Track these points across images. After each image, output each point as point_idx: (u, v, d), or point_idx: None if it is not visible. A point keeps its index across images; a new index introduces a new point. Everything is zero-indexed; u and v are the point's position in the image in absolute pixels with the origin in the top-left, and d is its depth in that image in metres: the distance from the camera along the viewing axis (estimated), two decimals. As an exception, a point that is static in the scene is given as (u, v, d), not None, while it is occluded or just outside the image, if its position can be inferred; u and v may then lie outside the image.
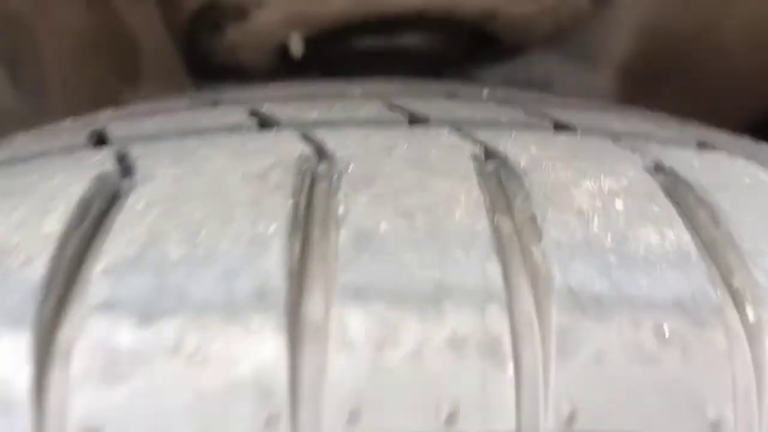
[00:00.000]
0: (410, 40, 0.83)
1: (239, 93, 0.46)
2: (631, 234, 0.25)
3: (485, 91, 0.46)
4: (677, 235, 0.26)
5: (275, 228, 0.24)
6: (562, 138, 0.33)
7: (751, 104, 1.12)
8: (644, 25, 0.99)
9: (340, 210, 0.26)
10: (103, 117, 0.43)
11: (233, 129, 0.34)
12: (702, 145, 0.37)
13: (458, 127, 0.33)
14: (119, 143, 0.34)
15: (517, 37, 0.83)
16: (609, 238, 0.25)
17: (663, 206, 0.27)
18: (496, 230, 0.25)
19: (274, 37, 0.76)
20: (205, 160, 0.29)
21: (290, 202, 0.26)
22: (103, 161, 0.31)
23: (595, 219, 0.26)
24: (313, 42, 0.79)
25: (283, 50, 0.83)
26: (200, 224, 0.24)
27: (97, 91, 1.13)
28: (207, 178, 0.27)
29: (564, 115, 0.37)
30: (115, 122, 0.39)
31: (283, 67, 0.92)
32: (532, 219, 0.26)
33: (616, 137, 0.34)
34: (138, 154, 0.31)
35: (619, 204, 0.27)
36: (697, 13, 0.93)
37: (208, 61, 0.86)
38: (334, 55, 0.87)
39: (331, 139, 0.31)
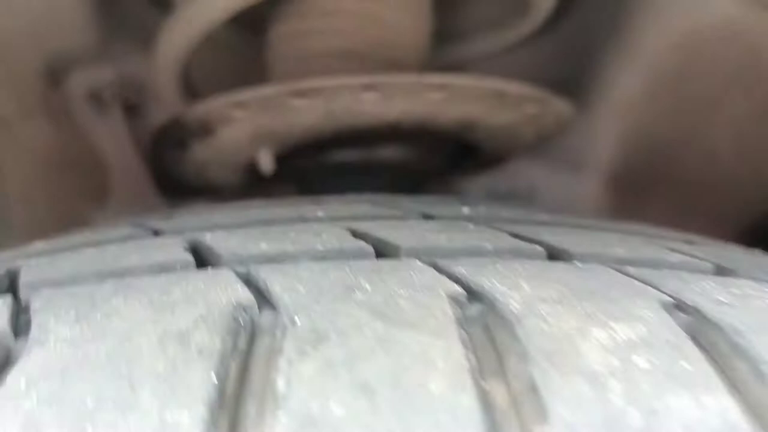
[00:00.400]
0: (386, 152, 0.79)
1: (188, 218, 0.40)
2: (662, 405, 0.19)
3: (464, 209, 0.41)
4: (719, 403, 0.20)
5: (189, 418, 0.18)
6: (559, 270, 0.27)
7: (740, 210, 1.09)
8: (629, 132, 0.97)
9: (280, 384, 0.19)
10: (25, 252, 0.37)
11: (164, 268, 0.28)
12: (721, 271, 0.31)
13: (433, 259, 0.27)
14: (25, 289, 0.28)
15: (498, 146, 0.80)
16: (635, 415, 0.19)
17: (695, 361, 0.22)
18: (485, 405, 0.19)
19: (242, 153, 0.72)
20: (116, 315, 0.23)
21: (213, 376, 0.19)
22: (-4, 315, 0.25)
23: (614, 385, 0.20)
24: (285, 155, 0.75)
25: (254, 166, 0.79)
26: (90, 415, 0.18)
27: (62, 211, 1.08)
28: (112, 343, 0.21)
29: (557, 239, 0.31)
30: (32, 260, 0.33)
31: (255, 182, 0.88)
32: (533, 388, 0.20)
33: (621, 266, 0.29)
34: (38, 306, 0.25)
35: (640, 361, 0.21)
36: (683, 120, 0.91)
37: (176, 179, 0.81)
38: (307, 169, 0.83)
39: (277, 280, 0.25)
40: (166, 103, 0.85)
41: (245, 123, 0.67)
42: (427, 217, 0.38)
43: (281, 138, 0.68)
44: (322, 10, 0.80)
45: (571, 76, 0.98)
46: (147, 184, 1.03)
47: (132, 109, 1.02)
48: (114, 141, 1.04)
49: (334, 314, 0.22)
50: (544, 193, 1.12)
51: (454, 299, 0.24)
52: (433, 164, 0.84)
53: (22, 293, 0.28)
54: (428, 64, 0.88)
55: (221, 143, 0.71)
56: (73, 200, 1.07)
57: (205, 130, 0.69)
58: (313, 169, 0.81)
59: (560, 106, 0.71)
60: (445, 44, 1.01)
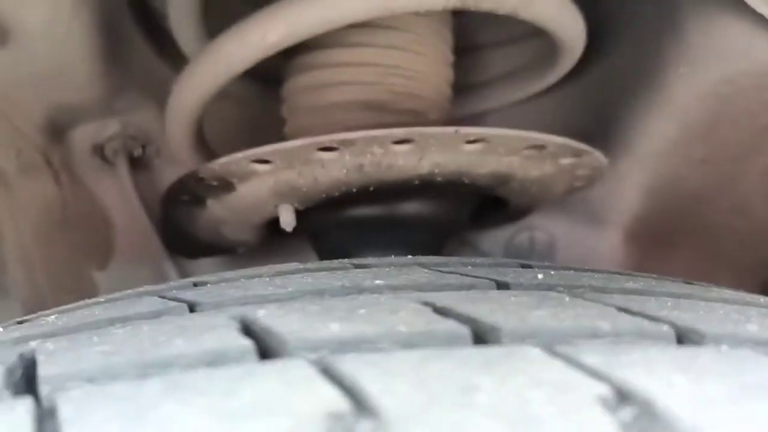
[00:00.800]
0: (411, 207, 0.75)
1: (226, 289, 0.35)
2: None
3: (538, 274, 0.36)
4: None
5: None
6: (706, 357, 0.23)
7: (766, 261, 1.05)
8: (656, 184, 0.93)
9: None
10: (36, 328, 0.32)
11: (219, 358, 0.23)
12: None
13: (548, 344, 0.23)
14: (48, 387, 0.23)
15: (528, 199, 0.76)
16: None
17: None
18: None
19: (262, 210, 0.67)
20: (171, 428, 0.18)
21: None
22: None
23: None
24: (303, 209, 0.71)
25: (270, 222, 0.75)
26: None
27: (63, 271, 1.02)
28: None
29: (678, 315, 0.26)
30: (48, 341, 0.28)
31: (268, 239, 0.83)
32: None
33: (764, 348, 0.24)
34: (68, 413, 0.20)
35: None
36: (714, 171, 0.87)
37: (187, 237, 0.77)
38: (326, 223, 0.78)
39: (369, 376, 0.20)
40: (180, 159, 0.80)
41: (267, 178, 0.62)
42: (501, 285, 0.33)
43: (305, 193, 0.64)
44: (342, 62, 0.76)
45: (594, 125, 0.95)
46: (153, 241, 0.98)
47: (138, 163, 0.98)
48: (118, 197, 0.99)
49: (457, 427, 0.17)
50: (563, 247, 1.08)
51: (603, 401, 0.19)
52: (458, 219, 0.80)
53: (44, 392, 0.23)
54: (449, 115, 0.85)
55: (240, 199, 0.66)
56: (75, 260, 1.01)
57: (224, 186, 0.65)
58: (333, 223, 0.77)
59: (597, 158, 0.67)
60: (465, 94, 0.98)
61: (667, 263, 1.10)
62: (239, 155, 0.59)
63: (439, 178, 0.63)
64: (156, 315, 0.31)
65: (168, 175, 0.99)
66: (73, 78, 0.80)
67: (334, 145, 0.58)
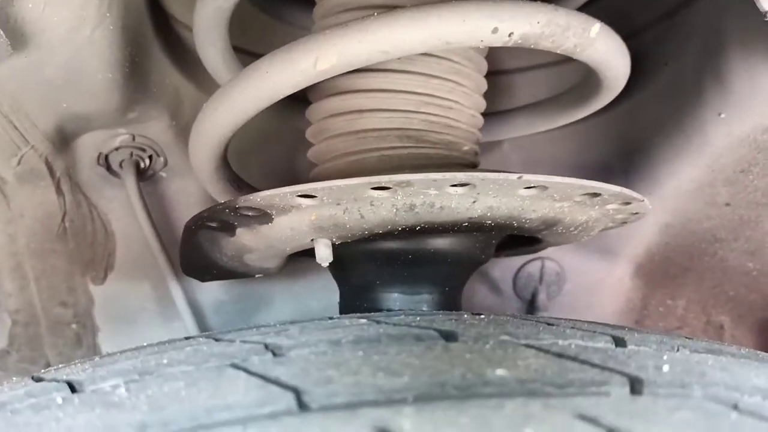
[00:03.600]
0: (439, 242, 0.72)
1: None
2: None
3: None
4: None
5: None
6: None
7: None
8: (675, 223, 0.93)
9: None
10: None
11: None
12: None
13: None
14: None
15: (567, 240, 0.74)
16: None
17: None
18: None
19: (297, 242, 0.64)
20: None
21: None
22: None
23: None
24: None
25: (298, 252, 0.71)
26: None
27: (58, 283, 0.97)
28: None
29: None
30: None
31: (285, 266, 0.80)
32: None
33: None
34: None
35: None
36: (736, 214, 0.87)
37: (206, 262, 0.73)
38: (352, 255, 0.75)
39: None
40: (200, 181, 0.77)
41: (309, 212, 0.59)
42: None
43: (348, 229, 0.61)
44: (378, 87, 0.74)
45: (617, 158, 0.94)
46: (157, 257, 0.94)
47: (144, 175, 0.93)
48: (121, 208, 0.95)
49: None
50: (572, 277, 1.07)
51: None
52: (486, 253, 0.78)
53: None
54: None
55: (275, 231, 0.63)
56: (71, 272, 0.96)
57: (261, 216, 0.61)
58: (360, 255, 0.74)
59: (645, 206, 0.66)
60: (498, 121, 0.96)
61: (671, 298, 1.11)
62: (286, 190, 0.56)
63: (489, 222, 0.61)
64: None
65: (174, 187, 0.96)
66: (89, 87, 0.76)
67: (390, 185, 0.55)
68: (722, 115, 0.75)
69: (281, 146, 0.99)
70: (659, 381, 0.31)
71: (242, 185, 0.83)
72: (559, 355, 0.34)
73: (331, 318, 0.48)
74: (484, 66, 0.80)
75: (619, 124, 0.91)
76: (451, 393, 0.28)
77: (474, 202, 0.58)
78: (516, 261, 1.07)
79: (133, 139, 0.89)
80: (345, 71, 0.60)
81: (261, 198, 0.58)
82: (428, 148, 0.74)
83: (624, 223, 0.75)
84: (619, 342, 0.39)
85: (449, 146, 0.75)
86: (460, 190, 0.57)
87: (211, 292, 1.00)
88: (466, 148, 0.77)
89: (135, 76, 0.79)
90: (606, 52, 0.65)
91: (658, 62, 0.84)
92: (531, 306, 1.07)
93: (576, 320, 0.51)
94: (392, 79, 0.74)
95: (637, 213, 0.71)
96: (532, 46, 0.61)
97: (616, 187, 0.60)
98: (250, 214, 0.61)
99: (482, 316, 0.47)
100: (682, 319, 1.12)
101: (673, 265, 1.03)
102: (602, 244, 1.03)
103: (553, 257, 1.07)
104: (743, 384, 0.31)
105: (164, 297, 0.97)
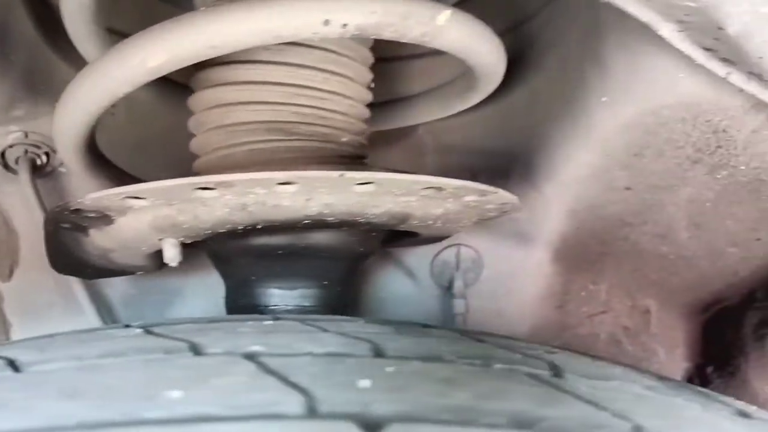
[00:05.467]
0: (318, 237, 0.71)
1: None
2: None
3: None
4: None
5: None
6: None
7: (696, 287, 1.04)
8: (580, 208, 0.91)
9: None
10: None
11: None
12: None
13: None
14: None
15: (437, 231, 0.73)
16: None
17: None
18: None
19: (145, 242, 0.63)
20: None
21: None
22: None
23: None
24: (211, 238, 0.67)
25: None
26: None
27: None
28: None
29: None
30: None
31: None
32: None
33: None
34: None
35: None
36: (638, 198, 0.85)
37: (77, 261, 0.72)
38: (227, 252, 0.75)
39: None
40: (73, 173, 0.76)
41: (145, 213, 0.58)
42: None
43: (188, 229, 0.60)
44: (248, 80, 0.72)
45: (520, 146, 0.92)
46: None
47: (43, 171, 0.92)
48: (21, 205, 0.94)
49: None
50: (490, 263, 1.06)
51: None
52: (368, 247, 0.77)
53: None
54: (371, 131, 0.82)
55: (120, 232, 0.62)
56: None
57: (104, 219, 0.60)
58: (235, 252, 0.73)
59: (503, 196, 0.64)
60: (392, 109, 0.94)
61: (592, 282, 1.09)
62: (112, 192, 0.55)
63: (330, 218, 0.60)
64: None
65: (75, 183, 0.95)
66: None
67: (211, 186, 0.54)
68: (605, 99, 0.73)
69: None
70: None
71: (126, 179, 0.81)
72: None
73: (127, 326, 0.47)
74: (367, 55, 0.78)
75: (518, 110, 0.89)
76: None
77: (308, 200, 0.57)
78: (432, 248, 1.05)
79: (26, 136, 0.88)
80: (180, 67, 0.58)
81: (90, 201, 0.56)
82: (300, 141, 0.72)
83: (504, 212, 0.74)
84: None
85: (324, 138, 0.73)
86: (290, 188, 0.55)
87: (119, 286, 0.99)
88: (344, 139, 0.75)
89: (11, 72, 0.78)
90: (461, 39, 0.63)
91: (548, 46, 0.81)
92: (449, 293, 1.06)
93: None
94: (261, 70, 0.72)
95: (508, 203, 0.69)
96: (374, 36, 0.59)
97: (457, 181, 0.59)
98: (92, 215, 0.60)
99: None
100: (606, 303, 1.10)
101: (589, 249, 1.01)
102: (517, 230, 1.02)
103: (470, 243, 1.05)
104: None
105: (69, 292, 0.96)
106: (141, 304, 1.02)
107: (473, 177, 1.01)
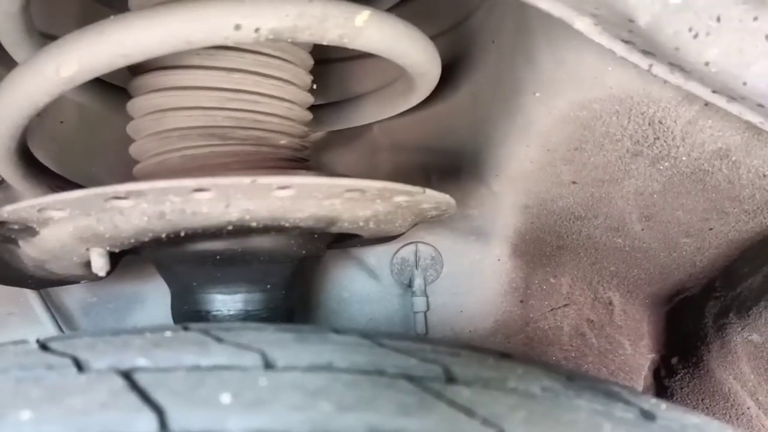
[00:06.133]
0: (260, 243, 0.71)
1: None
2: None
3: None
4: None
5: None
6: None
7: (655, 277, 1.04)
8: (531, 203, 0.91)
9: None
10: None
11: None
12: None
13: None
14: None
15: (373, 233, 0.73)
16: None
17: None
18: None
19: (74, 253, 0.63)
20: None
21: None
22: None
23: None
24: (145, 245, 0.66)
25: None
26: None
27: None
28: None
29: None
30: None
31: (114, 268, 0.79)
32: None
33: None
34: None
35: None
36: (586, 192, 0.85)
37: (16, 272, 0.72)
38: (165, 259, 0.74)
39: None
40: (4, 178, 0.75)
41: (66, 224, 0.58)
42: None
43: (110, 239, 0.60)
44: (180, 85, 0.72)
45: (469, 144, 0.92)
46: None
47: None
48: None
49: None
50: (449, 260, 1.05)
51: None
52: (313, 249, 0.76)
53: None
54: (327, 132, 0.82)
55: (46, 242, 0.62)
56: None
57: (28, 230, 0.60)
58: (172, 258, 0.73)
59: (431, 196, 0.64)
60: (342, 109, 0.94)
61: (553, 276, 1.09)
62: (25, 204, 0.55)
63: (253, 224, 0.59)
64: None
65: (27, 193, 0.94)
66: None
67: (122, 196, 0.53)
68: (537, 95, 0.72)
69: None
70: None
71: (69, 187, 0.81)
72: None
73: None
74: (304, 57, 0.78)
75: (465, 108, 0.89)
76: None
77: (227, 206, 0.57)
78: (392, 246, 1.05)
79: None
80: (95, 76, 0.58)
81: (7, 212, 0.56)
82: (234, 146, 0.72)
83: (444, 212, 0.74)
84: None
85: (260, 141, 0.73)
86: (205, 195, 0.55)
87: (77, 294, 1.00)
88: (283, 142, 0.75)
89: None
90: (383, 40, 0.63)
91: (487, 43, 0.81)
92: (410, 291, 1.06)
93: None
94: (193, 75, 0.72)
95: (443, 202, 0.69)
96: (290, 40, 0.58)
97: (378, 182, 0.58)
98: (15, 227, 0.60)
99: None
100: (568, 296, 1.10)
101: (546, 244, 1.01)
102: (473, 227, 1.02)
103: (428, 241, 1.05)
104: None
105: (25, 302, 0.96)
106: (100, 311, 1.02)
107: (426, 175, 1.02)
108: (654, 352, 1.15)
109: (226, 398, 0.32)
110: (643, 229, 0.92)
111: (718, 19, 0.53)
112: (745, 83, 0.56)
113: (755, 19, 0.53)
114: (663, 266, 1.01)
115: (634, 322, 1.13)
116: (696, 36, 0.54)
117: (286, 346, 0.43)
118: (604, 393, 0.45)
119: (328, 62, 0.95)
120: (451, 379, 0.40)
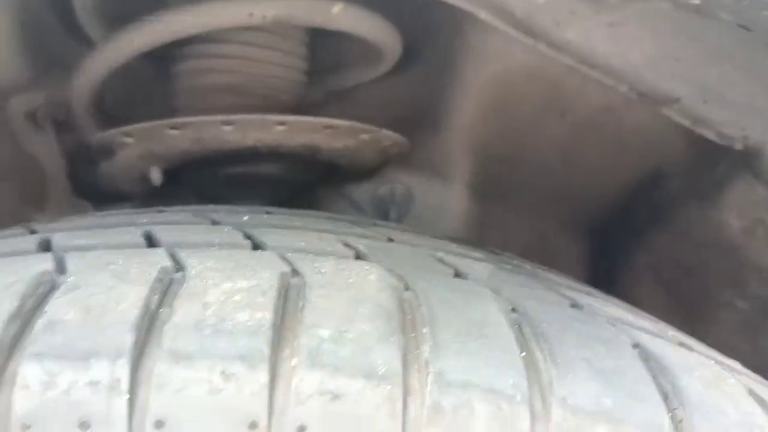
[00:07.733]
0: (267, 168, 0.99)
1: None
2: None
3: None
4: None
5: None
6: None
7: (581, 212, 1.30)
8: (475, 149, 1.17)
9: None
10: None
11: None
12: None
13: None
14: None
15: (349, 162, 1.00)
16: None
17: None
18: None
19: (137, 169, 0.92)
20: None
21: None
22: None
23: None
24: (183, 169, 0.95)
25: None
26: None
27: (6, 216, 1.26)
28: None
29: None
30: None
31: (159, 191, 1.07)
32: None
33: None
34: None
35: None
36: (512, 141, 1.12)
37: (93, 188, 1.01)
38: (202, 180, 1.02)
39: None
40: (83, 124, 1.04)
41: (134, 147, 0.86)
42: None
43: (164, 158, 0.88)
44: (214, 53, 0.99)
45: (430, 103, 1.19)
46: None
47: (62, 126, 1.21)
48: (49, 153, 1.22)
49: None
50: (420, 199, 1.32)
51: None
52: (305, 177, 1.04)
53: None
54: (309, 94, 1.09)
55: (120, 162, 0.90)
56: (15, 206, 1.25)
57: (108, 151, 0.89)
58: (207, 180, 1.01)
59: (386, 135, 0.91)
60: (326, 76, 1.20)
61: (505, 217, 1.36)
62: (113, 131, 0.83)
63: (262, 149, 0.88)
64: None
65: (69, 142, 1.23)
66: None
67: (177, 126, 0.82)
68: (469, 65, 1.00)
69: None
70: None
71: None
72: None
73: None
74: (299, 33, 1.05)
75: (425, 77, 1.15)
76: None
77: (244, 136, 0.85)
78: (373, 186, 1.33)
79: (50, 99, 1.16)
80: (162, 43, 0.86)
81: (98, 138, 0.85)
82: (249, 99, 1.00)
83: (401, 149, 1.01)
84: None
85: (265, 97, 1.01)
86: (229, 128, 0.83)
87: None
88: (284, 98, 1.03)
89: (37, 50, 1.06)
90: (353, 23, 0.90)
91: (434, 29, 1.08)
92: (386, 222, 1.34)
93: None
94: (223, 46, 0.99)
95: (398, 141, 0.97)
96: (288, 23, 0.86)
97: (346, 122, 0.86)
98: (101, 149, 0.89)
99: None
100: (514, 229, 1.37)
101: (493, 187, 1.27)
102: (437, 170, 1.28)
103: (402, 181, 1.32)
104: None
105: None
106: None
107: (398, 126, 1.29)
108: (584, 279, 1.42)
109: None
110: (563, 173, 1.19)
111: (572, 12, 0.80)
112: (595, 57, 0.83)
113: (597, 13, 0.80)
114: (584, 205, 1.27)
115: (566, 250, 1.40)
116: (558, 24, 0.81)
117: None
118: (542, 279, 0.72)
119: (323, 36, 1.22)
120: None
